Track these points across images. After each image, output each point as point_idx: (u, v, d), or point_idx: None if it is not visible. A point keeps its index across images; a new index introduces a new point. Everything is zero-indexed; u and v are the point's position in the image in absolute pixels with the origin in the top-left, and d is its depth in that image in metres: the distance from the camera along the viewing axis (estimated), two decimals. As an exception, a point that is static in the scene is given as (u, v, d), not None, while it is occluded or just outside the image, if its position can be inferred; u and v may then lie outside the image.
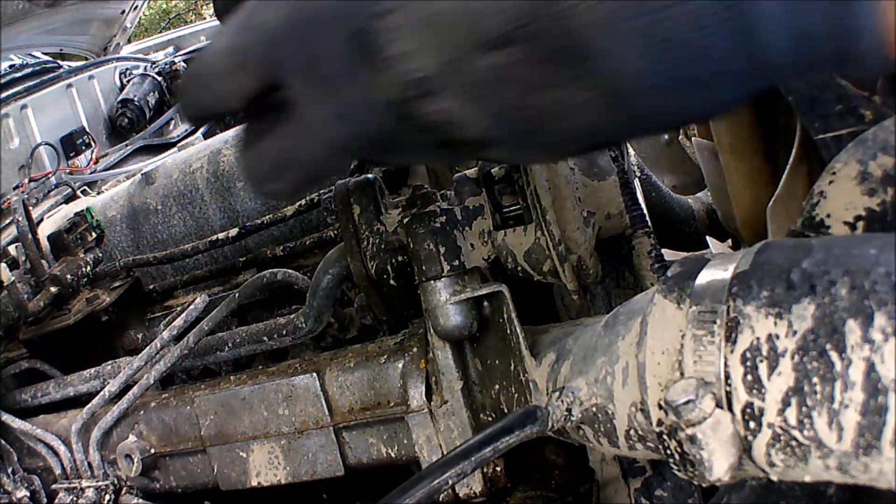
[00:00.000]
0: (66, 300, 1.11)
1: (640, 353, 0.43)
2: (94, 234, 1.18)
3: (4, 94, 1.92)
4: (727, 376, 0.37)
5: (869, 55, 0.28)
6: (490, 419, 0.74)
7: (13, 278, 1.08)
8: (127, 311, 1.13)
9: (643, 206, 0.88)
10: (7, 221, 1.41)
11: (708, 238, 1.23)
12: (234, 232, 1.20)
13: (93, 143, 2.09)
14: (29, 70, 2.15)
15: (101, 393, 0.94)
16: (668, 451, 0.40)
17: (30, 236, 1.09)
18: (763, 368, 0.36)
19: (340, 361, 0.83)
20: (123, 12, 2.37)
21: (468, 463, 0.48)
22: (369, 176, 0.84)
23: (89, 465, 0.95)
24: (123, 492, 0.94)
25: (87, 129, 2.13)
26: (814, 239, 0.38)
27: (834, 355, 0.34)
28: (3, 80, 2.01)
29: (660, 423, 0.41)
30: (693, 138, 1.16)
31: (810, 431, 0.34)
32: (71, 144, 2.03)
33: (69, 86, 2.16)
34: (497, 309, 0.70)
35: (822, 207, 0.50)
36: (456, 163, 1.00)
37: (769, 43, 0.29)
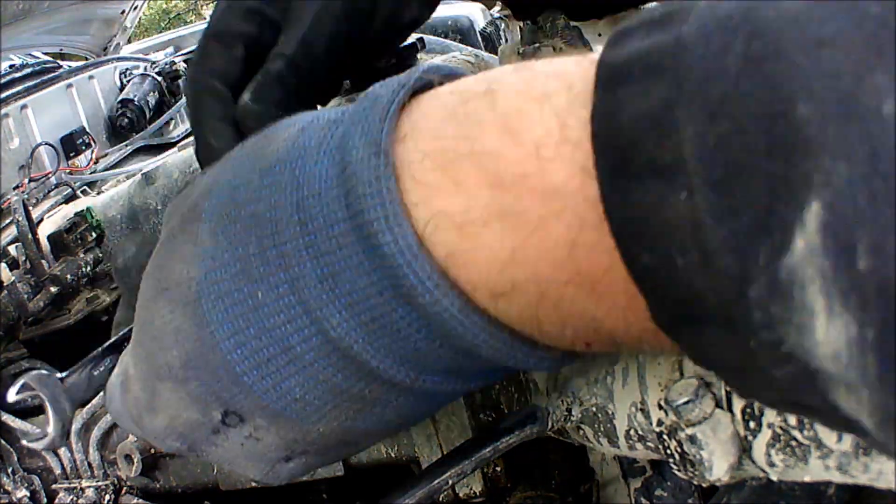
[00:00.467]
0: (66, 300, 1.11)
1: (639, 353, 0.43)
2: (94, 234, 1.17)
3: (4, 94, 1.92)
4: (727, 376, 0.37)
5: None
6: (489, 419, 0.74)
7: (13, 278, 1.08)
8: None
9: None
10: (7, 221, 1.41)
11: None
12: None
13: (93, 143, 2.09)
14: (29, 70, 2.14)
15: (101, 393, 0.94)
16: (668, 451, 0.40)
17: (30, 236, 1.09)
18: (763, 368, 0.36)
19: (340, 361, 0.83)
20: (123, 12, 2.37)
21: (468, 463, 0.48)
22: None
23: (89, 465, 0.95)
24: (123, 492, 0.94)
25: (87, 129, 2.12)
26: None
27: (834, 355, 0.34)
28: (3, 80, 2.01)
29: (660, 423, 0.41)
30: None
31: (810, 431, 0.34)
32: (71, 144, 2.02)
33: (69, 86, 2.16)
34: (497, 309, 0.70)
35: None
36: None
37: None
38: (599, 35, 0.67)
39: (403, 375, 0.28)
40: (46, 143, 1.95)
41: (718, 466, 0.37)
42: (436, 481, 0.48)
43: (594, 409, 0.48)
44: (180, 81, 2.50)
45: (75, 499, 0.94)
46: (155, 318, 0.33)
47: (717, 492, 0.58)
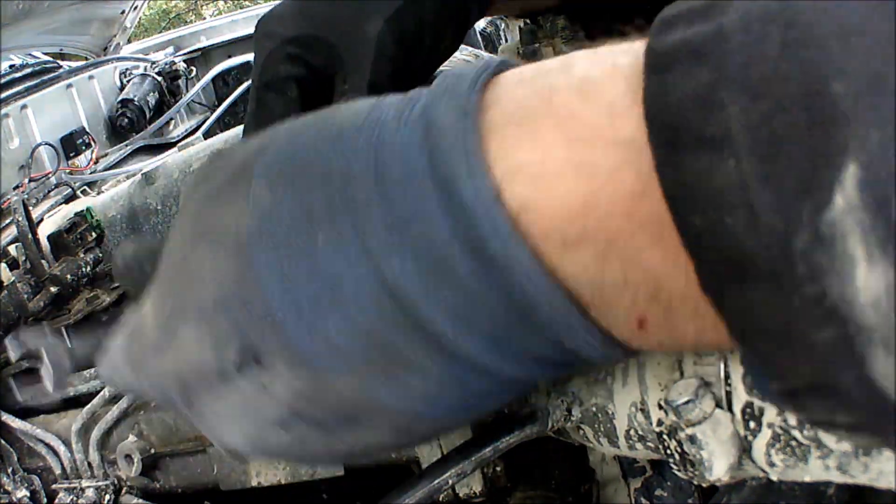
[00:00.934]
0: (66, 300, 1.11)
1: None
2: (94, 234, 1.18)
3: (4, 94, 1.92)
4: (727, 376, 0.37)
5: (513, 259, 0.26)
6: (490, 419, 0.74)
7: (13, 278, 1.08)
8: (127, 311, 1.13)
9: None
10: (7, 221, 1.41)
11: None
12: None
13: (93, 143, 2.09)
14: (29, 70, 2.14)
15: (101, 393, 0.94)
16: (668, 451, 0.40)
17: (30, 236, 1.09)
18: (763, 368, 0.36)
19: (340, 361, 0.83)
20: (123, 12, 2.37)
21: (468, 463, 0.48)
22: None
23: (89, 465, 0.95)
24: (123, 492, 0.94)
25: (87, 129, 2.12)
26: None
27: (834, 355, 0.34)
28: (3, 80, 2.01)
29: (660, 423, 0.41)
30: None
31: (810, 431, 0.34)
32: (71, 144, 2.02)
33: (69, 86, 2.16)
34: (497, 309, 0.70)
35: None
36: None
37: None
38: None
39: (449, 328, 0.28)
40: (46, 143, 1.95)
41: (718, 466, 0.37)
42: (436, 481, 0.48)
43: (594, 409, 0.48)
44: (180, 81, 2.50)
45: (75, 499, 0.94)
46: (191, 259, 0.33)
47: (717, 492, 0.58)
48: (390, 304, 0.28)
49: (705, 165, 0.22)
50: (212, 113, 2.45)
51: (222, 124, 2.32)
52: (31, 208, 1.26)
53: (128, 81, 2.42)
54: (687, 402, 0.37)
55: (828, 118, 0.20)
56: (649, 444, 0.43)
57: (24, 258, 1.12)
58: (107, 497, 0.92)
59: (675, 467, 0.41)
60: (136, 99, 2.31)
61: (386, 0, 0.52)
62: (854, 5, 0.21)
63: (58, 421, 1.01)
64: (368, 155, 0.28)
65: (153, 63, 2.52)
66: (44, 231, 1.25)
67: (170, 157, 1.55)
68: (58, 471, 0.97)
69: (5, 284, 1.05)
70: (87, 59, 2.45)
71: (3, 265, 1.10)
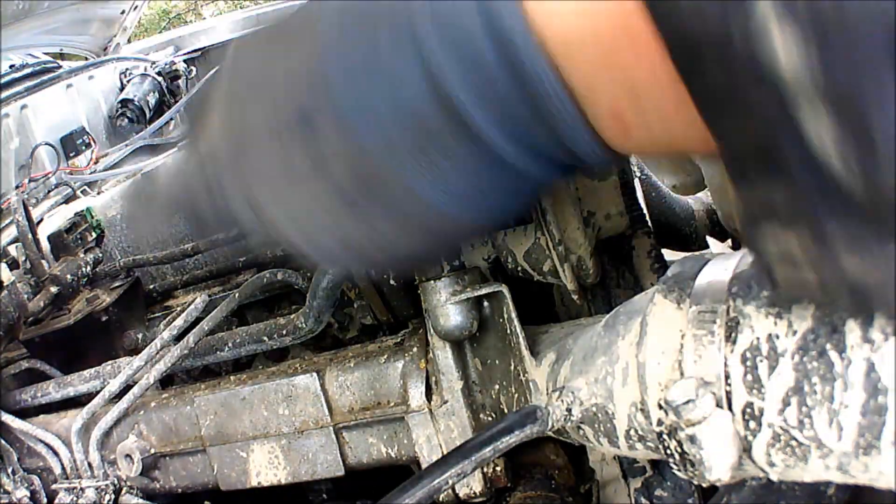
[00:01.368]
0: (66, 300, 1.11)
1: (640, 353, 0.43)
2: (94, 234, 1.18)
3: (4, 94, 1.92)
4: (727, 376, 0.37)
5: (529, 55, 0.32)
6: (490, 419, 0.74)
7: (13, 278, 1.08)
8: (127, 311, 1.13)
9: (643, 206, 0.88)
10: (7, 221, 1.41)
11: (708, 238, 1.23)
12: (234, 232, 1.19)
13: (93, 143, 2.09)
14: (29, 70, 2.14)
15: (101, 393, 0.94)
16: (668, 451, 0.40)
17: (30, 236, 1.09)
18: (763, 368, 0.36)
19: (340, 361, 0.83)
20: (123, 12, 2.37)
21: (468, 463, 0.48)
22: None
23: (89, 465, 0.95)
24: (123, 492, 0.94)
25: (87, 129, 2.12)
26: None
27: (834, 355, 0.34)
28: (3, 80, 2.01)
29: (660, 422, 0.41)
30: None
31: (810, 431, 0.34)
32: (71, 144, 2.02)
33: (69, 86, 2.16)
34: (497, 309, 0.70)
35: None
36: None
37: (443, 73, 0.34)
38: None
39: (478, 115, 0.34)
40: (46, 143, 1.95)
41: (718, 466, 0.37)
42: (436, 481, 0.48)
43: (594, 409, 0.48)
44: (180, 81, 2.50)
45: (75, 499, 0.94)
46: (263, 63, 0.40)
47: (717, 492, 0.58)
48: (427, 85, 0.34)
49: None
50: (212, 113, 2.44)
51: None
52: (31, 208, 1.26)
53: (128, 81, 2.42)
54: (687, 402, 0.37)
55: None
56: (649, 443, 0.43)
57: (24, 258, 1.12)
58: (107, 497, 0.92)
59: (675, 467, 0.41)
60: (136, 99, 2.31)
61: None
62: None
63: (58, 421, 1.01)
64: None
65: (153, 63, 2.52)
66: (44, 231, 1.25)
67: (170, 157, 1.55)
68: (58, 471, 0.97)
69: (5, 284, 1.05)
70: (87, 59, 2.45)
71: (3, 265, 1.10)
